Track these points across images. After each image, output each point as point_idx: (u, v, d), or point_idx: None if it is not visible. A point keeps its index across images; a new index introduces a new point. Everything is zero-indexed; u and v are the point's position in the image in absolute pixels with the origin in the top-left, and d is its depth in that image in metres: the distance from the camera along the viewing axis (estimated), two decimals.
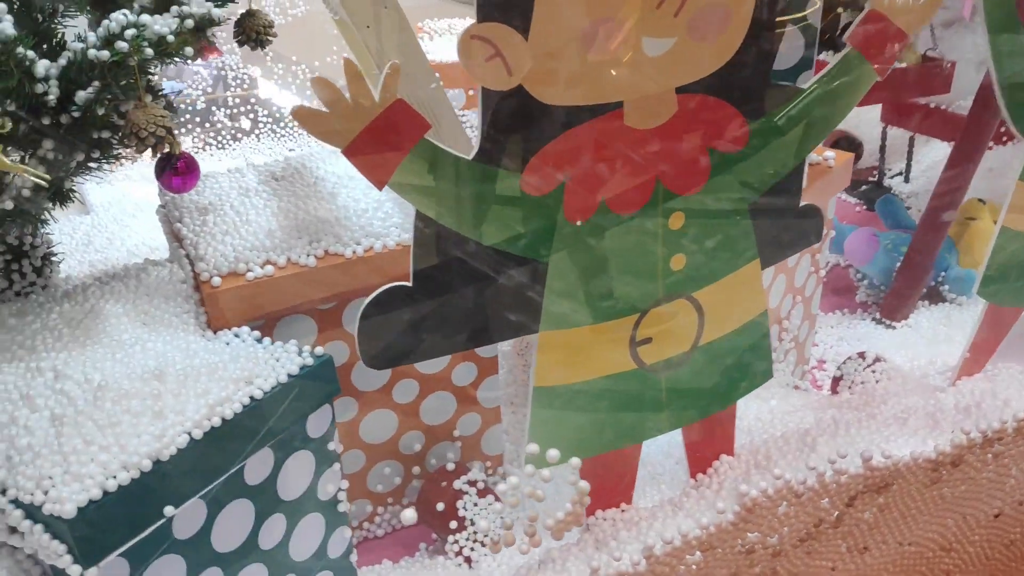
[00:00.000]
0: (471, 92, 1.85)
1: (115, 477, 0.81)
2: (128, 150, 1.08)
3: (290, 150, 2.28)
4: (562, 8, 0.81)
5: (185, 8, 0.96)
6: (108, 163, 1.07)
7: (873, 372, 1.43)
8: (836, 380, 1.47)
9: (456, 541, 1.20)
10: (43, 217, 1.10)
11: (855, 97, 1.00)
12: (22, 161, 0.95)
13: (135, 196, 1.95)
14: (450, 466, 1.28)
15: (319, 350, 1.00)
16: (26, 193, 0.99)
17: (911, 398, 1.31)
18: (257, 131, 2.26)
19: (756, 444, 1.18)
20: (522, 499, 0.91)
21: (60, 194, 1.05)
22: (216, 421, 0.89)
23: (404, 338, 0.91)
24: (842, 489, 0.84)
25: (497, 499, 1.24)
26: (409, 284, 0.89)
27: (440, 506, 1.22)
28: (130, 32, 0.91)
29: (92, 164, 1.06)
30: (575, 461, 0.87)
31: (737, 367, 1.09)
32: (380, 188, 0.84)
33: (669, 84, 0.90)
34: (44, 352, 0.97)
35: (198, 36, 0.98)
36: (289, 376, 0.96)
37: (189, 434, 0.87)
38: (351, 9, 1.00)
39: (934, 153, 2.40)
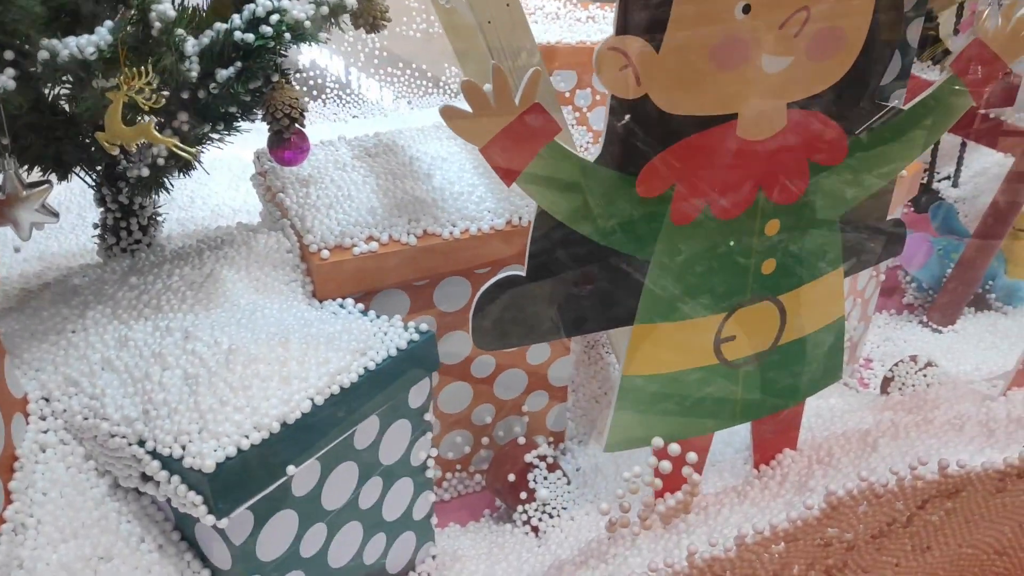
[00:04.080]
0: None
1: (248, 436, 0.88)
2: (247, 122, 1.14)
3: (353, 116, 2.32)
4: (693, 26, 0.86)
5: None
6: (229, 135, 1.13)
7: (924, 376, 1.49)
8: (887, 380, 1.53)
9: (525, 511, 1.27)
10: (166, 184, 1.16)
11: (950, 120, 1.05)
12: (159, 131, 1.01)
13: (211, 155, 2.00)
14: (521, 440, 1.35)
15: (423, 326, 1.06)
16: (160, 162, 1.04)
17: (963, 405, 1.36)
18: (323, 97, 2.31)
19: (817, 440, 1.24)
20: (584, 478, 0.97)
21: (186, 163, 1.11)
22: (335, 389, 0.95)
23: (514, 323, 0.96)
24: (917, 493, 0.90)
25: (564, 474, 1.31)
26: (523, 273, 0.95)
27: (511, 477, 1.29)
28: (274, 17, 0.96)
29: (214, 135, 1.11)
30: (691, 456, 0.93)
31: (811, 367, 1.15)
32: (509, 184, 0.89)
33: (783, 99, 0.94)
34: (171, 312, 1.03)
35: (331, 21, 1.03)
36: (398, 350, 1.02)
37: (312, 400, 0.93)
38: (475, 3, 1.05)
39: (983, 160, 2.42)
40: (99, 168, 1.19)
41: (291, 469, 0.91)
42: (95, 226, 1.25)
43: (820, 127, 0.98)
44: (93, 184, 1.21)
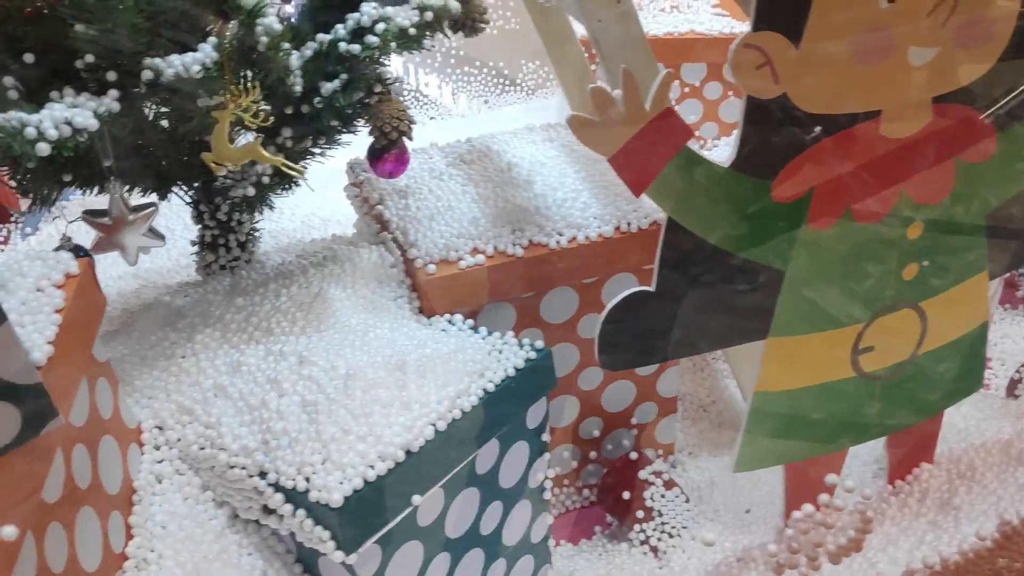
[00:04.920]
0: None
1: (373, 467, 0.84)
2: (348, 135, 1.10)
3: (431, 118, 2.29)
4: (836, 18, 0.80)
5: (424, 0, 0.97)
6: (331, 148, 1.09)
7: None
8: (1014, 383, 1.44)
9: (643, 530, 1.22)
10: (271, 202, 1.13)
11: None
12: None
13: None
14: (633, 455, 1.29)
15: (539, 343, 1.02)
16: (265, 180, 1.01)
17: None
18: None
19: (955, 453, 1.17)
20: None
21: (290, 179, 1.08)
22: (457, 413, 0.91)
23: (644, 343, 0.91)
24: None
25: (682, 491, 1.25)
26: (651, 289, 0.90)
27: (626, 495, 1.24)
28: (380, 26, 0.92)
29: (315, 150, 1.08)
30: (866, 491, 0.87)
31: (951, 377, 1.07)
32: (638, 194, 0.84)
33: (930, 93, 0.87)
34: (282, 335, 1.00)
35: (435, 28, 0.99)
36: (516, 369, 0.98)
37: (434, 425, 0.89)
38: (585, 2, 1.00)
39: None
40: (196, 185, 1.17)
41: (416, 499, 0.88)
42: (193, 243, 1.23)
43: (967, 122, 0.91)
44: (190, 201, 1.19)
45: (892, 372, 1.03)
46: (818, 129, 0.85)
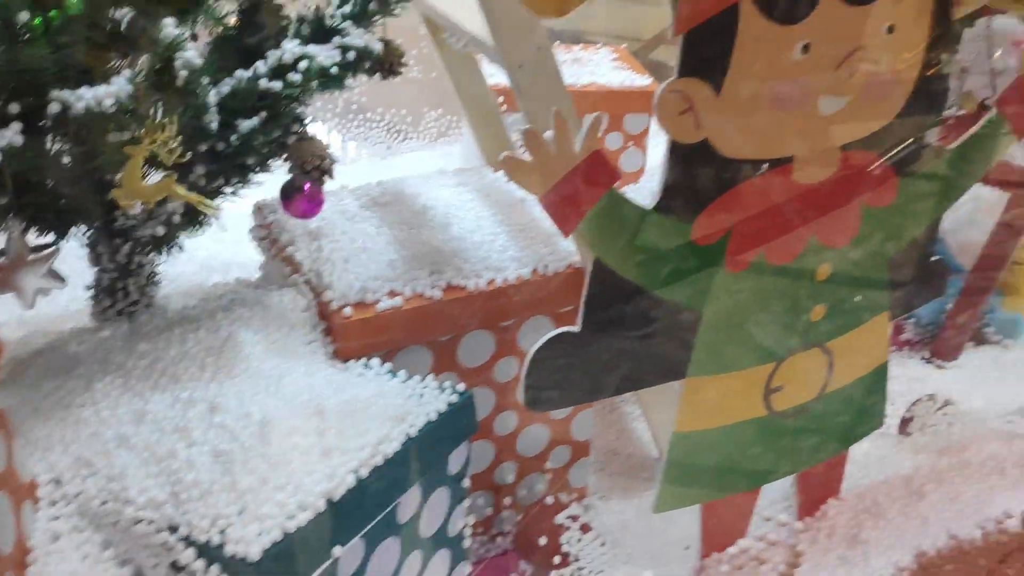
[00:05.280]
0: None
1: (293, 518, 0.80)
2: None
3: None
4: (754, 67, 0.83)
5: (347, 40, 0.96)
6: (243, 187, 1.06)
7: (944, 415, 1.46)
8: (906, 421, 1.50)
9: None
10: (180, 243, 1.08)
11: (994, 158, 1.03)
12: None
13: None
14: (548, 500, 1.28)
15: (461, 386, 1.00)
16: (176, 219, 0.97)
17: (992, 445, 1.34)
18: None
19: (860, 488, 1.21)
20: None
21: (201, 220, 1.04)
22: (379, 460, 0.88)
23: (568, 384, 0.91)
24: (1001, 547, 0.87)
25: (599, 535, 1.25)
26: (575, 329, 0.90)
27: (542, 540, 1.23)
28: (303, 64, 0.91)
29: (228, 189, 1.05)
30: (782, 517, 0.87)
31: (856, 414, 1.11)
32: (567, 235, 0.85)
33: (839, 140, 0.92)
34: (191, 382, 0.95)
35: (356, 69, 0.98)
36: (438, 413, 0.96)
37: (355, 473, 0.86)
38: (507, 49, 1.01)
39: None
40: (96, 225, 1.11)
41: (338, 550, 0.84)
42: (88, 287, 1.17)
43: (872, 168, 0.96)
44: (88, 243, 1.13)
45: (801, 411, 1.06)
46: (737, 173, 0.88)
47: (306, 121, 1.02)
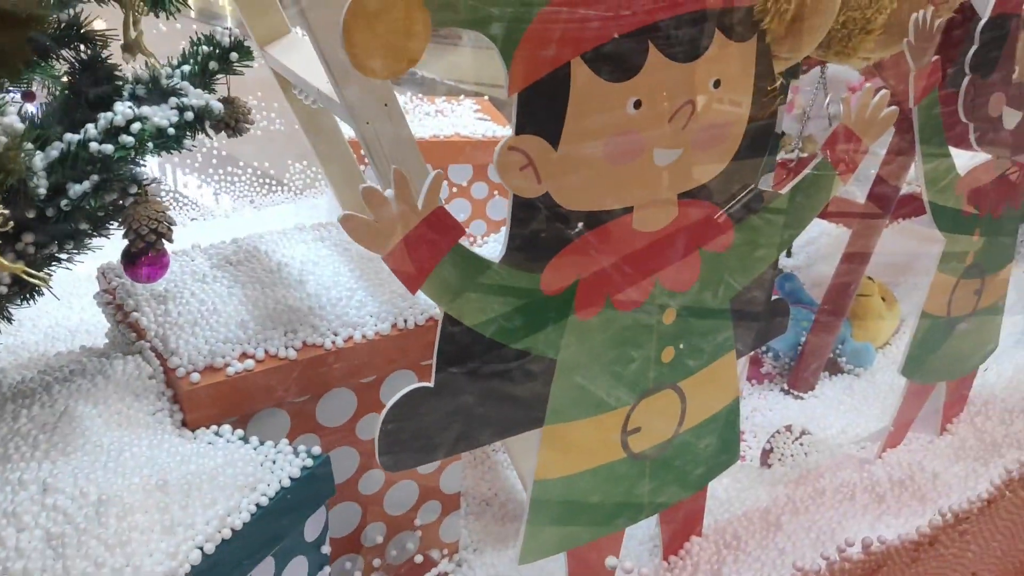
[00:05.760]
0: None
1: None
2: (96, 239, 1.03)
3: (192, 219, 2.20)
4: (588, 123, 0.86)
5: (184, 100, 0.94)
6: (79, 254, 1.01)
7: (801, 445, 1.52)
8: (767, 452, 1.55)
9: None
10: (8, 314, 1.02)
11: (824, 198, 1.09)
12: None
13: None
14: (418, 558, 1.26)
15: (316, 449, 0.98)
16: (2, 290, 0.92)
17: (845, 472, 1.40)
18: None
19: (721, 523, 1.24)
20: None
21: (32, 289, 0.98)
22: (227, 533, 0.85)
23: (426, 440, 0.90)
24: (845, 574, 0.90)
25: None
26: (430, 385, 0.89)
27: None
28: (135, 126, 0.88)
29: (62, 256, 1.00)
30: (644, 570, 0.87)
31: (712, 451, 1.14)
32: (414, 292, 0.84)
33: (675, 190, 0.95)
34: (22, 462, 0.90)
35: (196, 128, 0.96)
36: (291, 479, 0.93)
37: (201, 549, 0.82)
38: (353, 107, 1.00)
39: (811, 230, 2.59)
40: None
41: None
42: None
43: (708, 215, 1.00)
44: None
45: (659, 451, 1.08)
46: (579, 225, 0.90)
47: (145, 182, 0.98)
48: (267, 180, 2.39)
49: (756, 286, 1.09)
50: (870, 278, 2.00)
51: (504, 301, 0.89)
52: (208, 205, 2.33)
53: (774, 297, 1.13)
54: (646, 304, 0.99)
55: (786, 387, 1.93)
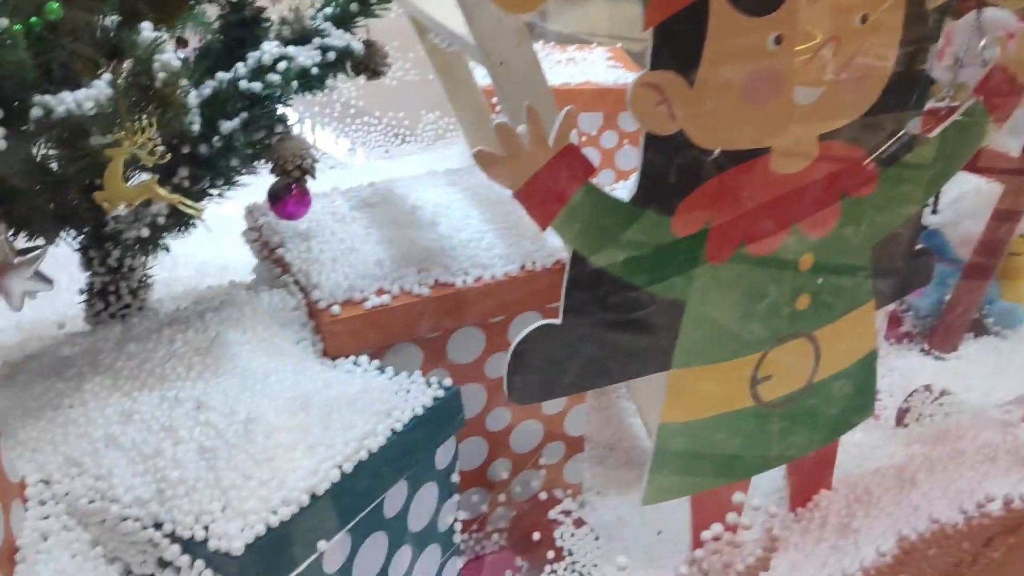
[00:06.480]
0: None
1: (276, 512, 0.81)
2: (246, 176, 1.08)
3: (331, 167, 2.27)
4: (726, 59, 0.83)
5: (327, 41, 0.97)
6: (229, 189, 1.07)
7: (941, 405, 1.46)
8: (903, 412, 1.50)
9: (554, 571, 1.21)
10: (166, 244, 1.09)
11: (975, 146, 1.03)
12: None
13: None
14: (542, 495, 1.29)
15: (447, 381, 1.01)
16: (160, 221, 0.98)
17: (987, 433, 1.33)
18: None
19: (852, 479, 1.20)
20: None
21: (186, 222, 1.05)
22: (363, 455, 0.89)
23: (550, 375, 0.91)
24: (984, 530, 0.87)
25: (592, 529, 1.25)
26: (556, 322, 0.90)
27: (536, 536, 1.23)
28: (282, 64, 0.92)
29: (213, 191, 1.06)
30: (772, 508, 0.87)
31: (845, 403, 1.11)
32: (543, 228, 0.85)
33: (815, 131, 0.92)
34: (178, 381, 0.97)
35: (337, 69, 0.99)
36: (424, 408, 0.96)
37: (340, 468, 0.87)
38: (487, 46, 1.01)
39: (960, 186, 2.44)
40: (86, 230, 1.12)
41: (323, 544, 0.85)
42: (81, 291, 1.18)
43: (851, 158, 0.96)
44: (79, 247, 1.14)
45: (789, 400, 1.06)
46: (714, 165, 0.88)
47: (290, 122, 1.02)
48: (401, 130, 2.44)
49: (899, 234, 1.05)
50: (1023, 236, 1.88)
51: (633, 242, 0.89)
52: (344, 156, 2.40)
53: (918, 246, 1.08)
54: (782, 249, 0.96)
55: (926, 347, 1.85)
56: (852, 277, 1.03)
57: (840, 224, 0.98)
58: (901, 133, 0.98)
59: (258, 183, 1.13)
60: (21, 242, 1.01)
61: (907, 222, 1.04)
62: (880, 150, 0.97)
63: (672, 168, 0.87)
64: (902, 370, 1.79)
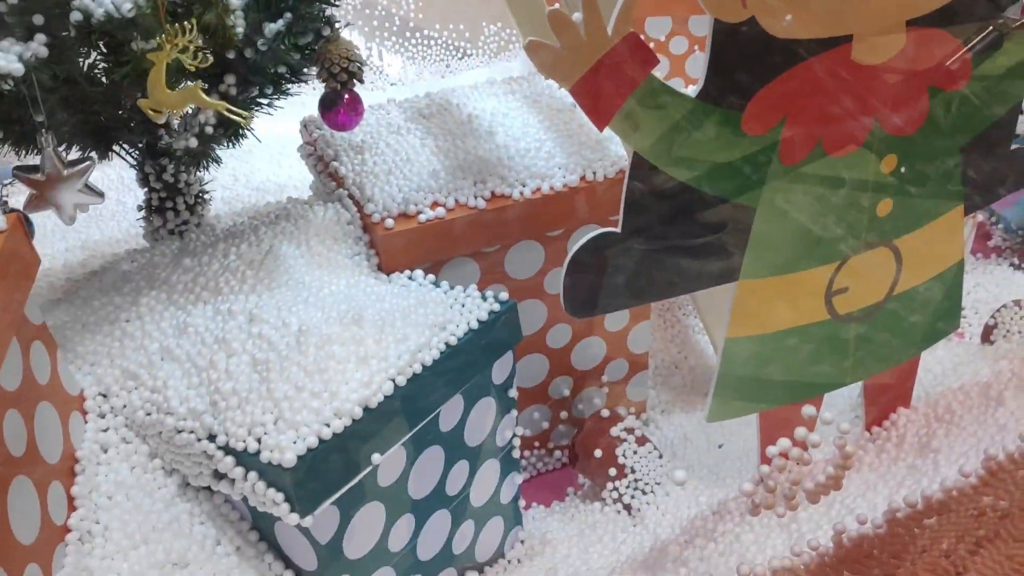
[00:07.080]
0: None
1: (328, 425, 0.79)
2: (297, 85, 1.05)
3: (392, 84, 2.23)
4: None
5: None
6: (279, 99, 1.04)
7: None
8: (989, 328, 1.41)
9: (615, 488, 1.18)
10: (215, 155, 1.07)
11: None
12: None
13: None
14: (604, 412, 1.26)
15: (503, 295, 0.97)
16: (209, 130, 0.96)
17: None
18: None
19: (932, 396, 1.14)
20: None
21: (235, 132, 1.02)
22: (417, 368, 0.87)
23: (610, 287, 0.87)
24: None
25: (655, 447, 1.22)
26: (616, 231, 0.85)
27: (598, 453, 1.21)
28: None
29: (262, 100, 1.03)
30: (844, 425, 0.82)
31: (928, 317, 1.04)
32: (602, 128, 0.80)
33: (902, 16, 0.83)
34: (231, 295, 0.95)
35: None
36: (479, 322, 0.93)
37: (393, 380, 0.85)
38: None
39: None
40: (140, 145, 1.11)
41: (376, 457, 0.83)
42: (139, 208, 1.18)
43: (941, 47, 0.87)
44: (135, 163, 1.13)
45: (867, 314, 1.00)
46: (789, 55, 0.81)
47: (337, 24, 0.98)
48: (462, 43, 2.37)
49: (992, 132, 0.96)
50: None
51: (700, 142, 0.83)
52: (404, 73, 2.35)
53: (1014, 147, 0.99)
54: (862, 149, 0.89)
55: (1016, 262, 1.74)
56: (939, 181, 0.95)
57: (927, 121, 0.90)
58: (999, 20, 0.88)
59: (313, 100, 1.09)
60: (73, 155, 1.00)
61: (1002, 119, 0.95)
62: (974, 37, 0.88)
63: (743, 59, 0.80)
64: (987, 285, 1.69)
